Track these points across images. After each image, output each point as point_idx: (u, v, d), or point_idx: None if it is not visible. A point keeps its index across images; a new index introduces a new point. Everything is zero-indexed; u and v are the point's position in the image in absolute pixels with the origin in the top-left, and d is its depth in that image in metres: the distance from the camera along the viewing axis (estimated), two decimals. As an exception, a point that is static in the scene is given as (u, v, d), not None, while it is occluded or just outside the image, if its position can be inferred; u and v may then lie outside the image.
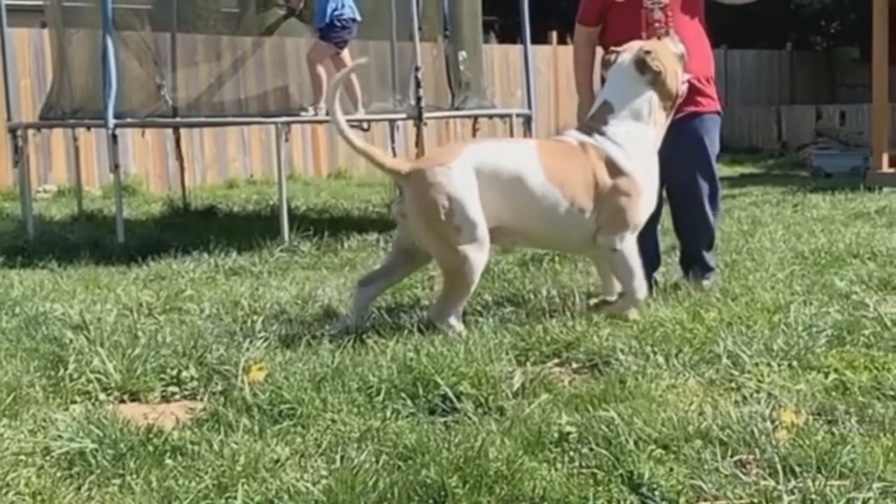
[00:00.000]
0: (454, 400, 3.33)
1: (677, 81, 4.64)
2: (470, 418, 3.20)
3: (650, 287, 4.96)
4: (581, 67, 5.29)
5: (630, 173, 4.45)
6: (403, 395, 3.40)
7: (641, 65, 4.55)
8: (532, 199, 4.35)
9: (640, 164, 4.50)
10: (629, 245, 4.49)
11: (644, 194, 4.50)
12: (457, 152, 4.45)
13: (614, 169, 4.43)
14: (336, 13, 7.96)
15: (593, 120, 4.59)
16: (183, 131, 10.53)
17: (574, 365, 3.88)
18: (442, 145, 14.61)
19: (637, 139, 4.52)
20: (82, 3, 8.78)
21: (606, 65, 4.69)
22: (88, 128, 8.97)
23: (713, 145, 5.17)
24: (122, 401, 3.59)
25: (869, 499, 2.54)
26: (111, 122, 7.53)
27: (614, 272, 4.58)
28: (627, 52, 4.63)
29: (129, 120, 8.22)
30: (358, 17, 8.06)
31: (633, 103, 4.55)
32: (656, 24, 5.00)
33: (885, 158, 11.25)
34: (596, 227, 4.45)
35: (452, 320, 4.30)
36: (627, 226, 4.46)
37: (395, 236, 4.81)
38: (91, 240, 7.57)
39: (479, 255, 4.30)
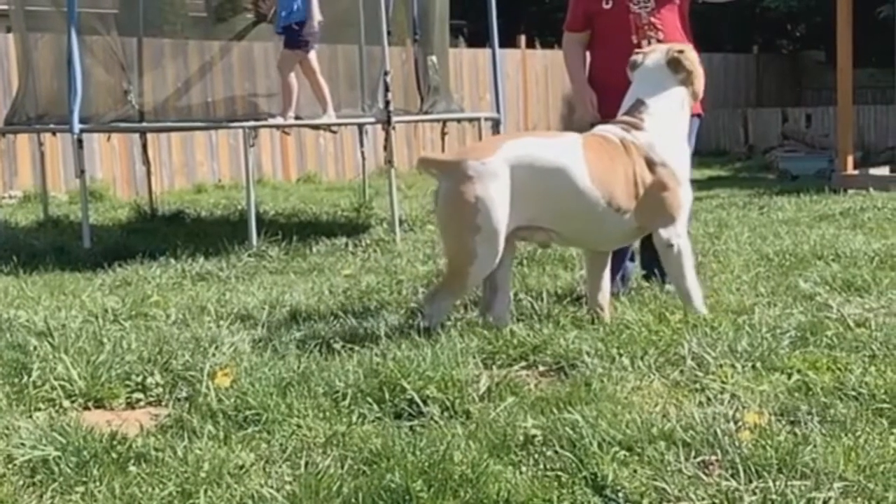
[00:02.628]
0: (420, 404, 3.34)
1: (702, 82, 4.76)
2: (436, 422, 3.21)
3: (616, 289, 5.00)
4: (575, 71, 5.36)
5: (670, 165, 4.51)
6: (370, 399, 3.40)
7: (675, 64, 4.64)
8: (573, 199, 4.33)
9: (677, 155, 4.57)
10: (684, 243, 4.54)
11: (684, 184, 4.58)
12: (495, 147, 4.38)
13: (655, 164, 4.48)
14: (291, 17, 7.94)
15: (629, 117, 4.60)
16: (150, 136, 10.48)
17: (541, 368, 3.89)
18: (410, 149, 14.65)
19: (672, 132, 4.60)
20: (47, 7, 8.72)
21: (634, 66, 4.72)
22: (54, 133, 8.90)
23: (691, 146, 5.27)
24: (87, 408, 3.56)
25: (829, 498, 2.57)
26: (76, 127, 7.48)
27: (671, 273, 4.65)
28: (656, 52, 4.71)
29: (94, 125, 8.17)
30: (317, 17, 8.01)
31: (666, 100, 4.62)
32: (645, 28, 5.05)
33: (850, 160, 11.37)
34: (636, 224, 4.49)
35: (437, 311, 4.32)
36: (674, 217, 4.52)
37: None
38: (57, 245, 7.52)
39: (488, 260, 4.28)
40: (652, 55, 4.70)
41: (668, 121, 4.59)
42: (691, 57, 4.69)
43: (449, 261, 4.46)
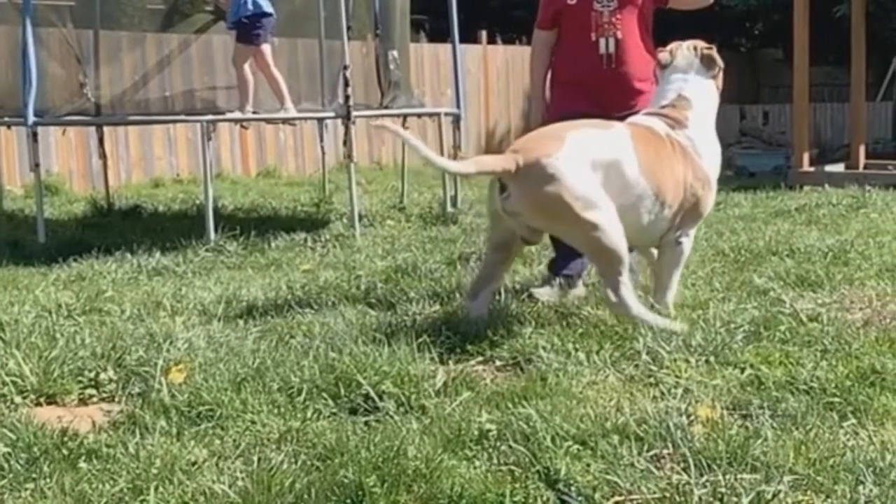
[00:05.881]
0: (376, 399, 3.33)
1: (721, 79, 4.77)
2: (391, 417, 3.20)
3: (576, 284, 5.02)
4: (538, 71, 5.36)
5: (707, 167, 4.53)
6: (325, 395, 3.39)
7: (710, 61, 4.66)
8: (623, 192, 4.26)
9: (713, 157, 4.59)
10: (689, 243, 4.58)
11: (714, 187, 4.60)
12: (559, 142, 4.17)
13: (696, 164, 4.49)
14: (241, 11, 7.91)
15: (674, 111, 4.57)
16: (107, 129, 10.35)
17: (497, 363, 3.89)
18: (370, 144, 14.63)
19: (710, 131, 4.62)
20: (1, -2, 8.60)
21: (664, 64, 4.69)
22: (9, 126, 8.78)
23: None
24: (38, 404, 3.52)
25: (779, 491, 2.59)
26: (31, 120, 7.38)
27: (662, 266, 4.60)
28: (683, 49, 4.70)
29: (50, 118, 8.07)
30: (267, 10, 7.98)
31: (706, 97, 4.65)
32: (605, 26, 5.08)
33: (806, 157, 11.49)
34: (669, 225, 4.48)
35: (628, 293, 4.17)
36: (700, 218, 4.58)
37: (490, 235, 4.58)
38: (11, 240, 7.42)
39: (615, 224, 4.14)
40: (681, 52, 4.70)
41: (707, 118, 4.62)
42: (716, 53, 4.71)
43: (588, 250, 4.30)
